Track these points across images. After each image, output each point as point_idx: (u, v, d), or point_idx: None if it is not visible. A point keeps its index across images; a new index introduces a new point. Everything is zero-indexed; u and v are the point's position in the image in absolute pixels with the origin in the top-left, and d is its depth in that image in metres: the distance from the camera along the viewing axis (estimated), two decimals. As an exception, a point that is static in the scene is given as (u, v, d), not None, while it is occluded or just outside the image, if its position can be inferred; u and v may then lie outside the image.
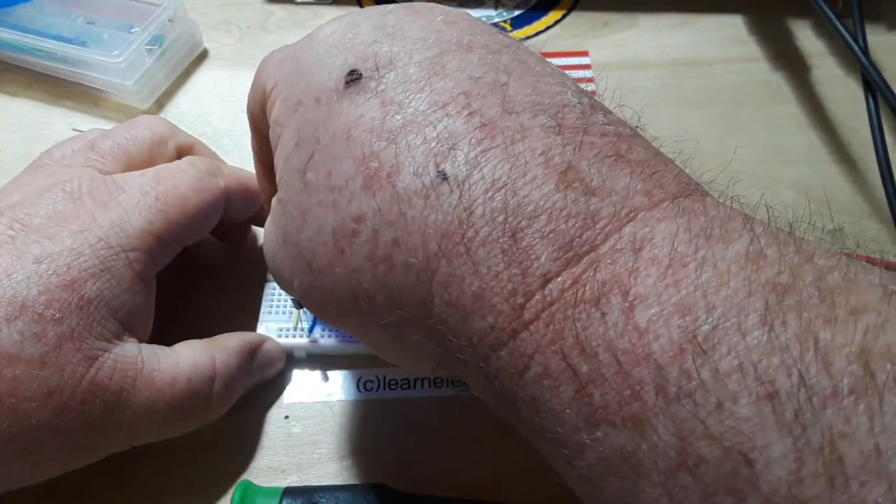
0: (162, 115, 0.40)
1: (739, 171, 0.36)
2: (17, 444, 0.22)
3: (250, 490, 0.25)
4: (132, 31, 0.39)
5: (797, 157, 0.37)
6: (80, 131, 0.39)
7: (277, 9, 0.46)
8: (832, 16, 0.36)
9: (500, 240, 0.17)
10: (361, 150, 0.19)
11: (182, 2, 0.41)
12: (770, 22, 0.43)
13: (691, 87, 0.40)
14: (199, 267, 0.33)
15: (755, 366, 0.14)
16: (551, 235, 0.16)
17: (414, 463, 0.27)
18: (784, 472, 0.13)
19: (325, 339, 0.30)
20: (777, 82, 0.40)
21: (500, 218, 0.17)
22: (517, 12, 0.45)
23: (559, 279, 0.16)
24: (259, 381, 0.29)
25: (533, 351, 0.16)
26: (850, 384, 0.13)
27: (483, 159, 0.17)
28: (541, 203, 0.17)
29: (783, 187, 0.35)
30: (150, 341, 0.26)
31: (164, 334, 0.27)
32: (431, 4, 0.22)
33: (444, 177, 0.17)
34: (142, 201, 0.26)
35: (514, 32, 0.44)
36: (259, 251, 0.33)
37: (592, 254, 0.16)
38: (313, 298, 0.21)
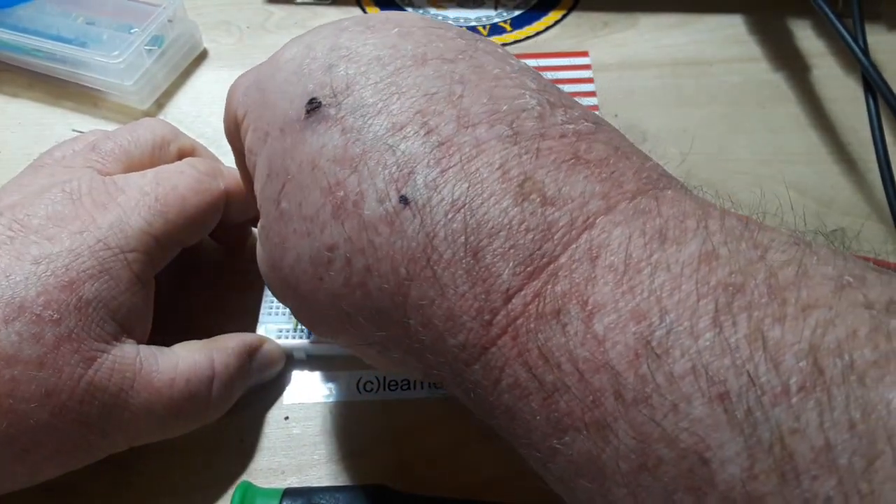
0: (161, 115, 0.40)
1: (739, 171, 0.37)
2: (16, 445, 0.22)
3: (250, 491, 0.25)
4: (132, 31, 0.39)
5: (797, 158, 0.37)
6: (80, 132, 0.39)
7: (277, 9, 0.46)
8: (832, 16, 0.36)
9: (464, 260, 0.17)
10: (327, 179, 0.19)
11: (182, 2, 0.41)
12: (770, 22, 0.43)
13: (691, 87, 0.40)
14: (198, 268, 0.33)
15: (706, 367, 0.14)
16: (511, 251, 0.17)
17: (414, 463, 0.27)
18: (738, 470, 0.13)
19: (325, 340, 0.30)
20: (777, 82, 0.40)
21: (461, 239, 0.17)
22: (517, 12, 0.45)
23: (521, 294, 0.17)
24: (258, 382, 0.29)
25: (503, 364, 0.17)
26: (798, 381, 0.13)
27: (441, 180, 0.18)
28: (500, 219, 0.17)
29: (783, 187, 0.35)
30: (150, 342, 0.26)
31: (164, 335, 0.27)
32: (386, 15, 0.22)
33: (405, 202, 0.18)
34: (141, 202, 0.26)
35: (514, 32, 0.44)
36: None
37: (552, 266, 0.17)
38: (304, 318, 0.22)
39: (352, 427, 0.28)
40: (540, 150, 0.18)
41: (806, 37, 0.42)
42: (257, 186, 0.22)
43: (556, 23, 0.44)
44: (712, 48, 0.42)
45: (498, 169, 0.18)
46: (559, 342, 0.16)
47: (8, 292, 0.23)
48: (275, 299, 0.31)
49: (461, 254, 0.17)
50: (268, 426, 0.29)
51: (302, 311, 0.22)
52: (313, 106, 0.20)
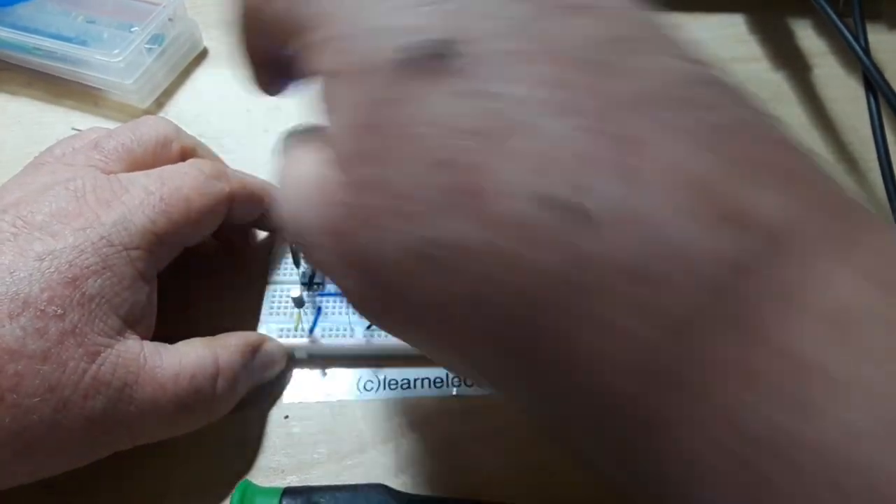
0: (162, 114, 0.40)
1: (740, 170, 0.37)
2: (19, 442, 0.22)
3: (250, 490, 0.25)
4: (132, 30, 0.39)
5: (798, 157, 0.37)
6: (81, 130, 0.39)
7: (277, 8, 0.46)
8: (833, 15, 0.36)
9: (627, 289, 0.13)
10: (442, 152, 0.14)
11: (182, 1, 0.41)
12: (771, 21, 0.43)
13: (692, 86, 0.40)
14: (200, 267, 0.33)
15: None
16: (690, 284, 0.13)
17: (414, 463, 0.27)
18: None
19: (326, 340, 0.30)
20: (778, 82, 0.40)
21: (626, 260, 0.13)
22: (518, 11, 0.45)
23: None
24: (261, 381, 0.29)
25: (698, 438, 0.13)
26: None
27: (598, 182, 0.13)
28: (676, 240, 0.13)
29: (784, 187, 0.35)
30: (154, 341, 0.26)
31: (166, 334, 0.27)
32: None
33: (554, 204, 0.13)
34: (145, 201, 0.26)
35: (515, 31, 0.44)
36: (259, 251, 0.33)
37: (755, 315, 0.12)
38: (371, 309, 0.17)
39: (352, 426, 0.28)
40: (730, 150, 0.14)
41: (807, 36, 0.42)
42: (334, 124, 0.16)
43: (557, 22, 0.44)
44: (713, 48, 0.42)
45: (673, 171, 0.13)
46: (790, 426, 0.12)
47: (12, 288, 0.23)
48: (276, 300, 0.31)
49: (624, 283, 0.13)
50: (268, 425, 0.29)
51: (370, 303, 0.17)
52: (429, 52, 0.15)
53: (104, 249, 0.24)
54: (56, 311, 0.23)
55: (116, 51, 0.38)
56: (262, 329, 0.30)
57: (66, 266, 0.24)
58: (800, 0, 0.41)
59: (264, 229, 0.34)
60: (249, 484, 0.25)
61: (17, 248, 0.24)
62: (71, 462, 0.24)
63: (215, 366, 0.26)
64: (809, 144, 0.40)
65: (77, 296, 0.23)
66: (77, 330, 0.23)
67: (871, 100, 0.34)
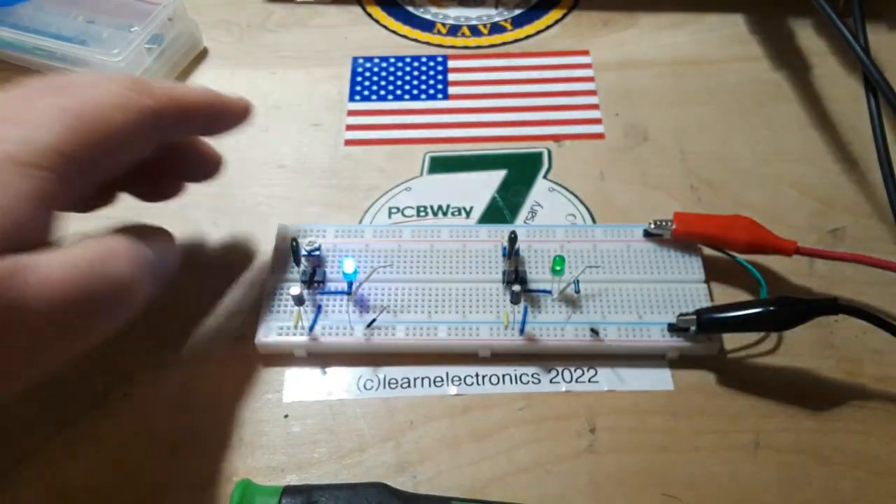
0: (162, 113, 0.40)
1: (740, 170, 0.37)
2: None
3: (250, 489, 0.25)
4: (132, 30, 0.39)
5: (798, 157, 0.37)
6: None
7: (277, 8, 0.46)
8: (833, 15, 0.36)
9: None
10: None
11: (181, 1, 0.41)
12: (771, 21, 0.43)
13: (692, 86, 0.40)
14: (198, 265, 0.33)
15: None
16: None
17: (414, 462, 0.27)
18: None
19: (326, 338, 0.30)
20: (778, 81, 0.40)
21: None
22: (517, 11, 0.45)
23: None
24: (164, 266, 0.26)
25: None
26: None
27: None
28: None
29: (784, 187, 0.35)
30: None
31: (165, 334, 0.27)
32: None
33: None
34: (55, 116, 0.23)
35: (515, 31, 0.44)
36: (259, 249, 0.33)
37: None
38: None
39: (352, 425, 0.28)
40: None
41: (807, 36, 0.42)
42: None
43: (557, 22, 0.44)
44: (713, 47, 0.42)
45: None
46: None
47: None
48: (275, 296, 0.31)
49: None
50: (267, 424, 0.29)
51: None
52: None
53: (5, 166, 0.22)
54: None
55: (116, 51, 0.38)
56: (262, 328, 0.30)
57: None
58: (800, 0, 0.41)
59: (194, 180, 0.31)
60: (249, 483, 0.25)
61: None
62: None
63: (110, 249, 0.24)
64: (809, 144, 0.40)
65: None
66: None
67: (871, 100, 0.34)
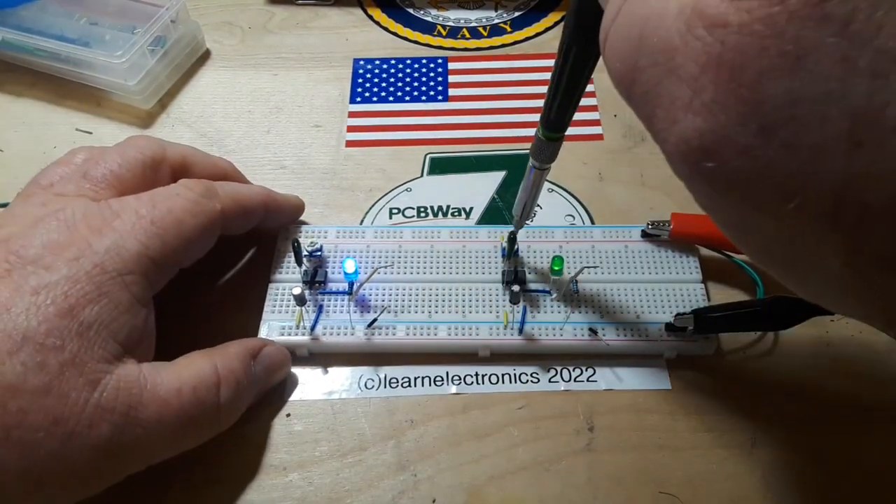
0: (164, 115, 0.40)
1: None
2: (29, 478, 0.22)
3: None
4: (135, 31, 0.40)
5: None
6: (84, 131, 0.39)
7: (279, 9, 0.46)
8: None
9: None
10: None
11: (184, 3, 0.41)
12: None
13: (690, 87, 0.40)
14: (201, 267, 0.33)
15: None
16: None
17: (414, 461, 0.28)
18: None
19: (327, 338, 0.30)
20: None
21: None
22: (517, 13, 0.46)
23: None
24: (267, 387, 0.29)
25: None
26: None
27: None
28: None
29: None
30: (157, 347, 0.26)
31: (168, 335, 0.27)
32: None
33: None
34: (137, 225, 0.26)
35: (515, 33, 0.44)
36: (260, 249, 0.34)
37: None
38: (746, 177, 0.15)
39: (353, 424, 0.29)
40: None
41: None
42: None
43: (557, 24, 0.45)
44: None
45: None
46: None
47: (10, 325, 0.23)
48: (277, 298, 0.31)
49: None
50: (270, 423, 0.29)
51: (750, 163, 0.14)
52: None
53: (98, 277, 0.24)
54: (55, 343, 0.23)
55: (119, 52, 0.38)
56: (264, 327, 0.30)
57: (62, 297, 0.24)
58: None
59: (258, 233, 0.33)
60: None
61: (12, 285, 0.24)
62: (83, 491, 0.24)
63: (216, 375, 0.26)
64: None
65: (75, 325, 0.23)
66: (77, 360, 0.23)
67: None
